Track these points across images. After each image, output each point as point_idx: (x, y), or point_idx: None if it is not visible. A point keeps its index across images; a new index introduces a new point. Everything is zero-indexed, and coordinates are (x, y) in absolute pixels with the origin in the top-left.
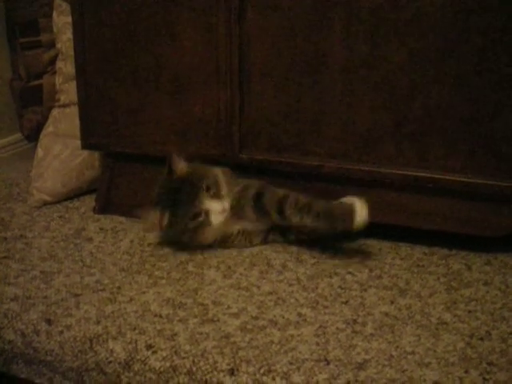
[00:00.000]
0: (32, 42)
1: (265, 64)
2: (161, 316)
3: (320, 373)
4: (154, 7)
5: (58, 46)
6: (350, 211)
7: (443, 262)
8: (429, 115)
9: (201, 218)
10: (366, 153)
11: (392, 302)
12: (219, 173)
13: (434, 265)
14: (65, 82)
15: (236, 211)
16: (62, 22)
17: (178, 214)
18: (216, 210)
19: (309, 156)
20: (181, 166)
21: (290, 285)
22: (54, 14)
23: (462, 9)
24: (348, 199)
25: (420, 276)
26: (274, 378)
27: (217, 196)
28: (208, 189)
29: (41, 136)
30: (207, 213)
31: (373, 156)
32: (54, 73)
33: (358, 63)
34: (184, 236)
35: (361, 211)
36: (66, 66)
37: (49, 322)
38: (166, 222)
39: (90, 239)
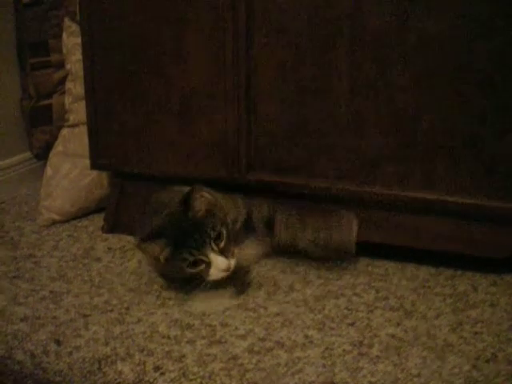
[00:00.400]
0: (42, 63)
1: (272, 86)
2: (169, 337)
3: None
4: (163, 29)
5: (68, 66)
6: (349, 241)
7: (449, 282)
8: (434, 137)
9: (201, 267)
10: (373, 174)
11: (398, 324)
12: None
13: (440, 286)
14: (74, 102)
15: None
16: (72, 43)
17: (178, 256)
18: (219, 266)
19: (316, 178)
20: (198, 205)
21: (297, 306)
22: (64, 35)
23: (466, 33)
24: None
25: (426, 297)
26: None
27: (226, 250)
28: (218, 239)
29: (50, 155)
30: (208, 264)
31: (380, 178)
32: (64, 93)
33: (363, 86)
34: (181, 275)
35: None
36: (76, 87)
37: (58, 342)
38: (164, 256)
39: (99, 259)
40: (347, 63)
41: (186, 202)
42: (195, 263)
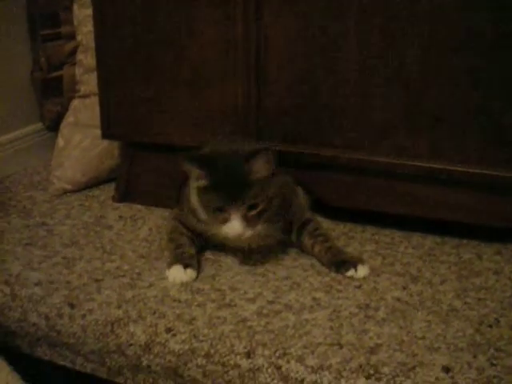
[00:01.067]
0: (53, 34)
1: (281, 57)
2: (180, 301)
3: (333, 356)
4: (175, 2)
5: (79, 38)
6: (355, 263)
7: (454, 251)
8: (441, 107)
9: (219, 217)
10: (380, 144)
11: (404, 288)
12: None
13: (446, 254)
14: (85, 73)
15: None
16: (83, 15)
17: (210, 193)
18: (234, 227)
19: (324, 147)
20: (259, 167)
21: (305, 270)
22: (75, 7)
23: (473, 2)
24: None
25: (431, 264)
26: (288, 361)
27: (251, 221)
28: (253, 207)
29: (61, 126)
30: (226, 220)
31: (387, 147)
32: (74, 64)
33: (372, 56)
34: (200, 216)
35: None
36: (87, 58)
37: (72, 305)
38: (200, 185)
39: (110, 227)
40: (356, 34)
41: (249, 158)
42: (218, 210)
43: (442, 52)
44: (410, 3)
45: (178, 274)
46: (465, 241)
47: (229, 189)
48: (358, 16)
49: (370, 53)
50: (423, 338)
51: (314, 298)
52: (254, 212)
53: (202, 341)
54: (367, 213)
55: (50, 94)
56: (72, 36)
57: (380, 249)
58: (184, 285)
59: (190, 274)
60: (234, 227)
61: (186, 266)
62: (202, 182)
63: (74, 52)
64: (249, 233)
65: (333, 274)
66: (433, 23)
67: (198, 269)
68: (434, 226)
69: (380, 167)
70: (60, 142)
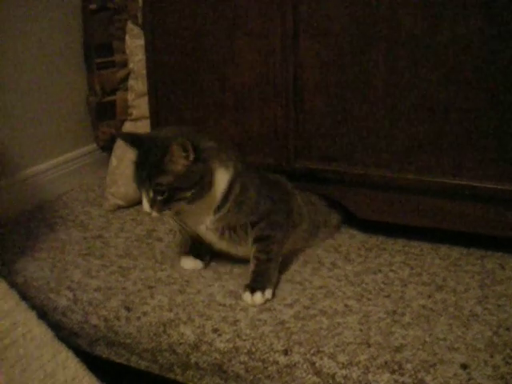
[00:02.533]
0: (106, 62)
1: (316, 83)
2: (225, 305)
3: (362, 354)
4: (219, 33)
5: (131, 65)
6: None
7: (479, 261)
8: (463, 129)
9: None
10: (408, 162)
11: (429, 297)
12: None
13: (470, 264)
14: (136, 98)
15: None
16: (134, 45)
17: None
18: (144, 206)
19: (356, 165)
20: (175, 160)
21: (339, 280)
22: (127, 37)
23: (492, 35)
24: None
25: (456, 274)
26: (322, 358)
27: (159, 205)
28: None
29: (114, 147)
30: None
31: (414, 165)
32: (126, 90)
33: (398, 82)
34: None
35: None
36: (138, 84)
37: (128, 309)
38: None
39: (160, 239)
40: (384, 62)
41: (166, 146)
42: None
43: (461, 78)
44: (433, 34)
45: (186, 262)
46: (489, 252)
47: (144, 170)
48: (385, 45)
49: (398, 80)
50: (444, 339)
51: (346, 305)
52: (160, 197)
53: (244, 340)
54: (398, 226)
55: (104, 117)
56: (124, 64)
57: (409, 259)
58: (228, 291)
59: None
60: (144, 206)
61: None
62: (134, 159)
63: (125, 79)
64: (155, 215)
65: (364, 285)
66: (455, 52)
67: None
68: (461, 237)
69: (408, 184)
70: (113, 161)
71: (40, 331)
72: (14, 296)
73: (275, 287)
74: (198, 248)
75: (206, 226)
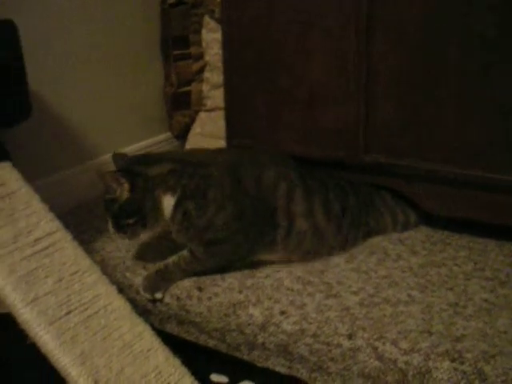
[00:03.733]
0: (183, 54)
1: (388, 82)
2: (292, 290)
3: (423, 342)
4: (293, 31)
5: (207, 58)
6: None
7: None
8: None
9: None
10: (477, 160)
11: (492, 291)
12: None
13: None
14: (211, 90)
15: None
16: (210, 38)
17: None
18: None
19: (424, 161)
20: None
21: (403, 271)
22: (204, 31)
23: None
24: None
25: None
26: (384, 343)
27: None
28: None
29: (189, 136)
30: None
31: (482, 163)
32: (201, 81)
33: (471, 83)
34: None
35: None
36: (213, 76)
37: (200, 289)
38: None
39: None
40: (455, 67)
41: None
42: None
43: None
44: (507, 38)
45: None
46: None
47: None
48: (458, 48)
49: (470, 81)
50: (505, 332)
51: (410, 295)
52: (112, 222)
53: (310, 323)
54: (464, 221)
55: (179, 107)
56: (200, 56)
57: (473, 255)
58: (296, 277)
59: None
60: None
61: None
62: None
63: (201, 70)
64: (118, 238)
65: (428, 277)
66: None
67: None
68: None
69: (476, 180)
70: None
71: (119, 304)
72: (97, 270)
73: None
74: None
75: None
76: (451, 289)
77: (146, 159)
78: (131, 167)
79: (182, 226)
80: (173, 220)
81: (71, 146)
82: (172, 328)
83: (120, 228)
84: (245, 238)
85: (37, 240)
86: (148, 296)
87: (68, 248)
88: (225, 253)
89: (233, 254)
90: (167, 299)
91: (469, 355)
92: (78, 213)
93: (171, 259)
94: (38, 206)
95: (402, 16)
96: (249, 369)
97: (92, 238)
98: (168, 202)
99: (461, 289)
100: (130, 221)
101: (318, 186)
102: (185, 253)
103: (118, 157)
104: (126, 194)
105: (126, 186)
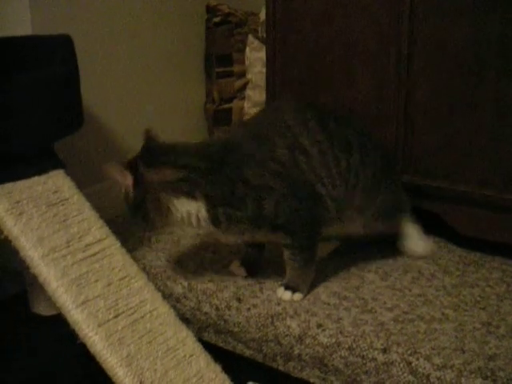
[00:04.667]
0: (226, 72)
1: (427, 105)
2: (329, 304)
3: (456, 358)
4: (335, 53)
5: (249, 76)
6: None
7: None
8: None
9: None
10: (511, 183)
11: None
12: None
13: None
14: (252, 107)
15: None
16: (254, 57)
17: None
18: None
19: (459, 183)
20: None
21: (437, 290)
22: (247, 50)
23: None
24: None
25: None
26: (418, 359)
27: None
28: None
29: None
30: None
31: None
32: (243, 99)
33: (508, 108)
34: None
35: None
36: (255, 94)
37: (239, 300)
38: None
39: None
40: (494, 87)
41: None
42: None
43: None
44: None
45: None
46: None
47: None
48: (497, 73)
49: (507, 106)
50: None
51: (443, 313)
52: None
53: (346, 336)
54: (499, 244)
55: (220, 124)
56: (242, 74)
57: (506, 277)
58: (332, 292)
59: None
60: None
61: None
62: None
63: (243, 88)
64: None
65: (461, 297)
66: None
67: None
68: None
69: (510, 204)
70: None
71: (164, 310)
72: (143, 277)
73: (307, 291)
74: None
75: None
76: (484, 309)
77: (164, 154)
78: (144, 160)
79: (229, 225)
80: (214, 223)
81: (115, 157)
82: (210, 337)
83: (133, 215)
84: (304, 200)
85: (88, 245)
86: (286, 297)
87: (117, 254)
88: (306, 221)
89: (311, 219)
90: (206, 309)
91: (501, 374)
92: (119, 222)
93: (288, 272)
94: (89, 212)
95: (442, 39)
96: (284, 379)
97: (133, 247)
98: (182, 206)
99: (494, 309)
100: (140, 213)
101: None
102: (286, 255)
103: (148, 135)
104: (130, 188)
105: (130, 180)
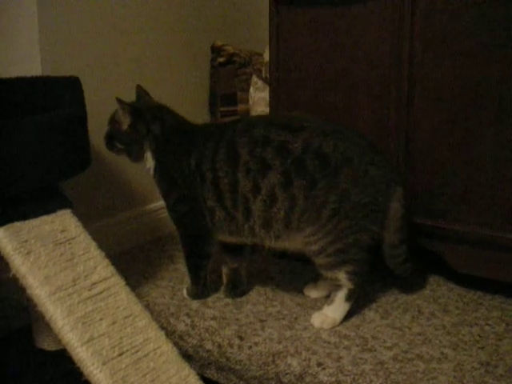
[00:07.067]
0: (230, 111)
1: (426, 145)
2: (329, 343)
3: None
4: (338, 93)
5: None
6: None
7: None
8: None
9: None
10: (509, 223)
11: None
12: None
13: None
14: None
15: None
16: (258, 97)
17: None
18: None
19: (458, 223)
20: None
21: (436, 329)
22: (251, 89)
23: None
24: None
25: None
26: None
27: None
28: None
29: None
30: None
31: None
32: None
33: (505, 148)
34: None
35: None
36: None
37: (241, 338)
38: None
39: (273, 278)
40: (491, 129)
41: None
42: None
43: None
44: None
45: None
46: None
47: None
48: (494, 115)
49: (504, 146)
50: None
51: (442, 353)
52: (109, 140)
53: (346, 375)
54: (498, 283)
55: None
56: (246, 114)
57: (505, 316)
58: (333, 331)
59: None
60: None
61: None
62: None
63: None
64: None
65: (461, 336)
66: None
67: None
68: None
69: (508, 243)
70: None
71: (167, 348)
72: (148, 315)
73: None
74: None
75: None
76: (483, 348)
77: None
78: (149, 112)
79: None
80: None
81: (121, 195)
82: (212, 374)
83: (109, 145)
84: None
85: (93, 284)
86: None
87: (121, 293)
88: (190, 232)
89: (196, 231)
90: (209, 346)
91: None
92: (124, 258)
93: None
94: (95, 252)
95: (441, 83)
96: None
97: (137, 283)
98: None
99: (492, 348)
100: (119, 145)
101: None
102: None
103: (139, 91)
104: (125, 126)
105: (128, 120)
